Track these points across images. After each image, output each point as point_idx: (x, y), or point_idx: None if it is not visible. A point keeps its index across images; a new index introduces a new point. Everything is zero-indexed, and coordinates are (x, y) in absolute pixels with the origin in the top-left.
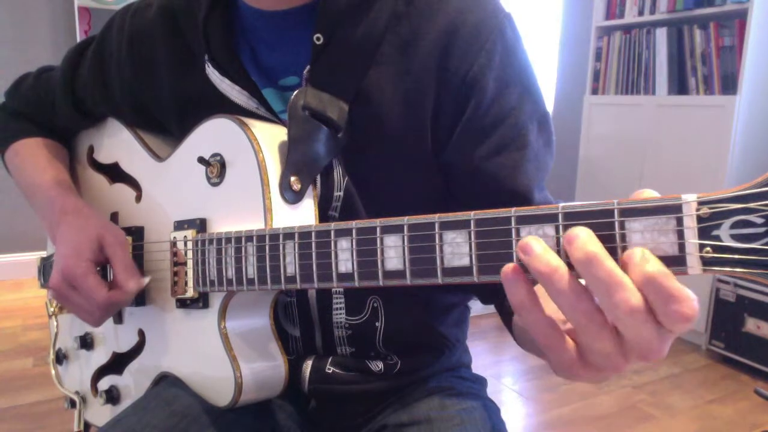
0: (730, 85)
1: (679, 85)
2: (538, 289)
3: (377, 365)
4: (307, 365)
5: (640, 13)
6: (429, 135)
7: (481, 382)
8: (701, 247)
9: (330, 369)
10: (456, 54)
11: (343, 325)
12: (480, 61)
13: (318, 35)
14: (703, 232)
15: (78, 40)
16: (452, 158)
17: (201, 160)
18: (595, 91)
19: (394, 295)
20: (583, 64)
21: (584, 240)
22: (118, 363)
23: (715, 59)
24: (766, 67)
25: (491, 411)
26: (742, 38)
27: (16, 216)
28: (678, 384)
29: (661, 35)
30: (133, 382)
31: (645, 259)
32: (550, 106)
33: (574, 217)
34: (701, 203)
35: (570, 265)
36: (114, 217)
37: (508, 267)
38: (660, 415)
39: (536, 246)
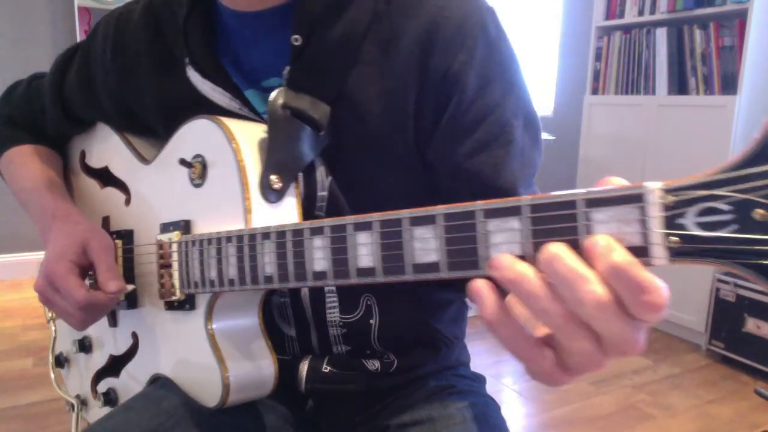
0: (730, 85)
1: (679, 85)
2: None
3: (374, 364)
4: (304, 365)
5: (640, 13)
6: (412, 134)
7: (481, 379)
8: (666, 236)
9: (326, 368)
10: (437, 51)
11: (337, 323)
12: (460, 58)
13: (296, 36)
14: (669, 221)
15: (78, 40)
16: (436, 157)
17: (182, 161)
18: (595, 91)
19: (388, 292)
20: (583, 64)
21: (549, 243)
22: (115, 365)
23: (715, 59)
24: (766, 67)
25: (492, 408)
26: (742, 38)
27: (16, 216)
28: (678, 384)
29: (661, 35)
30: (129, 384)
31: (610, 248)
32: (550, 106)
33: (540, 209)
34: (666, 191)
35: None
36: (106, 220)
37: (475, 282)
38: (660, 415)
39: (504, 258)
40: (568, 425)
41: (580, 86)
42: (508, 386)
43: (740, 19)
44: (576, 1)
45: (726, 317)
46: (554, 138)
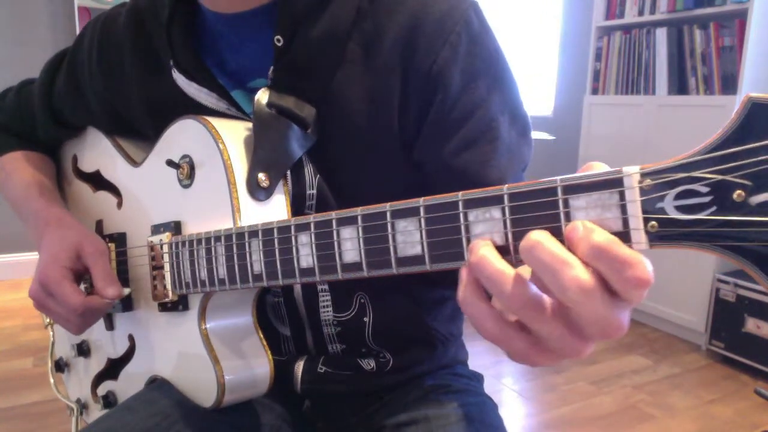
0: (730, 85)
1: (679, 85)
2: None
3: (369, 363)
4: (299, 365)
5: (640, 13)
6: (398, 132)
7: (478, 378)
8: (646, 221)
9: (322, 368)
10: (420, 48)
11: (331, 322)
12: (444, 54)
13: (278, 37)
14: (647, 205)
15: None
16: (423, 155)
17: (170, 162)
18: (595, 91)
19: (381, 289)
20: (583, 64)
21: (530, 232)
22: (113, 368)
23: (715, 59)
24: (766, 67)
25: (489, 407)
26: (742, 38)
27: (16, 216)
28: (678, 384)
29: (661, 35)
30: (128, 387)
31: (589, 230)
32: (550, 106)
33: (519, 198)
34: (644, 175)
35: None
36: (99, 224)
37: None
38: (660, 415)
39: (475, 242)
40: (568, 425)
41: (580, 86)
42: (507, 386)
43: (740, 19)
44: (576, 1)
45: (726, 317)
46: (554, 138)
